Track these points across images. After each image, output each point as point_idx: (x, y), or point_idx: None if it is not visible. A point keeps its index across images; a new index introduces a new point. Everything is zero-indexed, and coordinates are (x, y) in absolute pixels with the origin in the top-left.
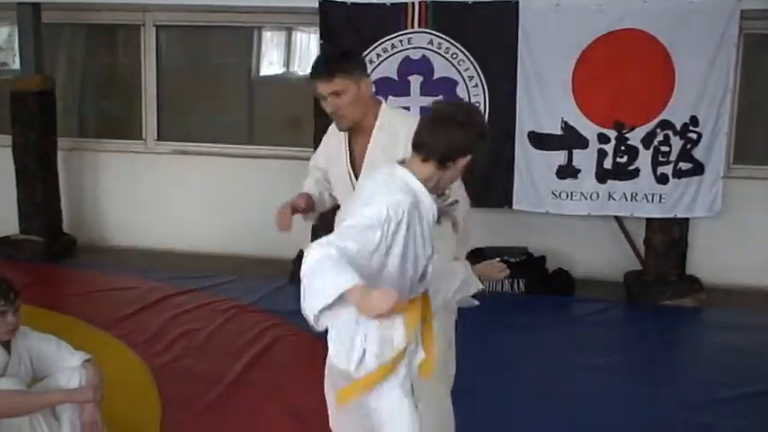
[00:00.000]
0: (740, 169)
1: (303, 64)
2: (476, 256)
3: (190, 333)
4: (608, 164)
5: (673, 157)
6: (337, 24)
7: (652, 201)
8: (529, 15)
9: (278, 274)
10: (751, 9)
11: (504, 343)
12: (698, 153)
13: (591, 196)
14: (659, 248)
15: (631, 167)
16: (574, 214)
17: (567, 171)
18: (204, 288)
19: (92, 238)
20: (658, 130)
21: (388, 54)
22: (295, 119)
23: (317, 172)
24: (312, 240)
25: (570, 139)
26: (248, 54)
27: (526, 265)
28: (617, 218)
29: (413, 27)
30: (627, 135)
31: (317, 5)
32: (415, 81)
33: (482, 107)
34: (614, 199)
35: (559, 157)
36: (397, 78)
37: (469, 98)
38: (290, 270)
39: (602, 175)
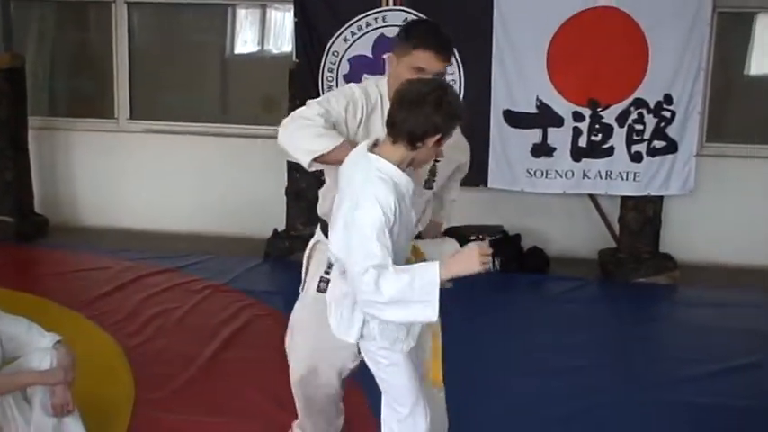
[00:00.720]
0: (713, 147)
1: (277, 42)
2: (451, 234)
3: (164, 313)
4: (583, 142)
5: (647, 136)
6: (312, 2)
7: (626, 179)
8: None
9: (253, 253)
10: None
11: (478, 321)
12: (672, 131)
13: (566, 174)
14: (633, 226)
15: (606, 146)
16: (549, 192)
17: (542, 149)
18: (178, 268)
19: (64, 218)
20: (632, 109)
21: (362, 32)
22: (269, 98)
23: (325, 122)
24: (287, 218)
25: (545, 118)
26: (222, 32)
27: (501, 243)
28: (591, 196)
29: (388, 5)
30: (601, 113)
31: None
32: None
33: (457, 86)
34: (589, 177)
35: (534, 135)
36: (372, 56)
37: (444, 77)
38: (265, 249)
39: (577, 154)
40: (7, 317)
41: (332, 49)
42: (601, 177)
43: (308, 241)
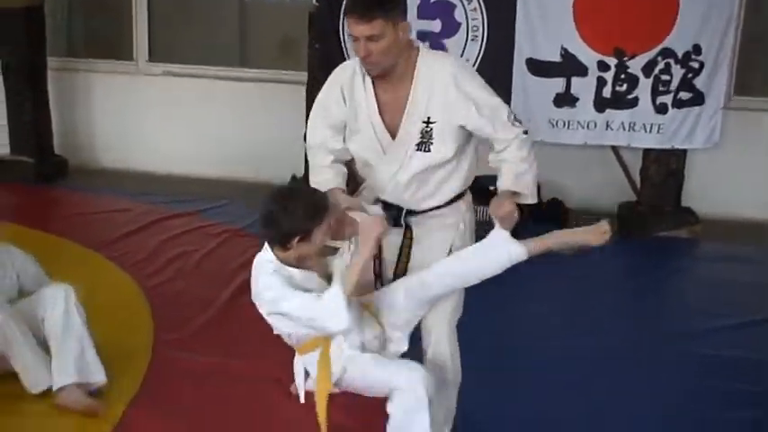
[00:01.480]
0: (740, 100)
1: None
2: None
3: (182, 256)
4: (607, 92)
5: (673, 87)
6: None
7: (650, 131)
8: None
9: None
10: None
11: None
12: (699, 82)
13: (588, 125)
14: (655, 179)
15: (630, 96)
16: (570, 144)
17: (565, 99)
18: (197, 211)
19: (83, 159)
20: (659, 59)
21: None
22: (288, 41)
23: (326, 156)
24: (305, 163)
25: (569, 67)
26: None
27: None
28: (613, 148)
29: None
30: (627, 63)
31: None
32: (412, 3)
33: (480, 33)
34: (612, 128)
35: (557, 84)
36: None
37: (467, 22)
38: None
39: (601, 104)
40: (19, 252)
41: None
42: (624, 129)
43: None
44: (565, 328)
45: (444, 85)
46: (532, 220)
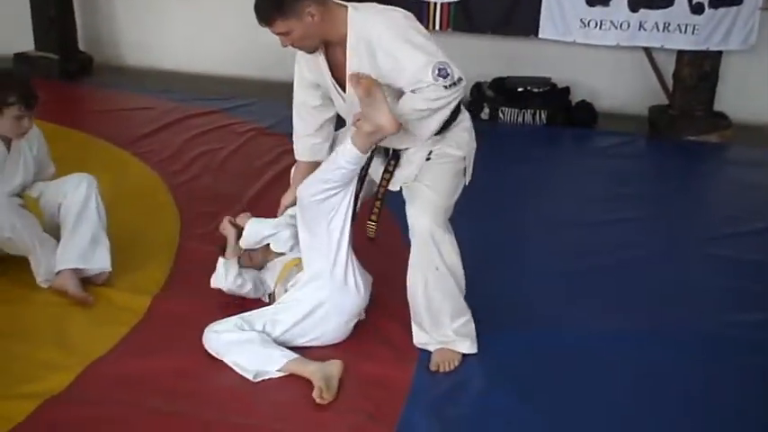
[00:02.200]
0: None
1: None
2: (498, 85)
3: (208, 153)
4: None
5: None
6: None
7: (685, 32)
8: None
9: None
10: None
11: (521, 173)
12: None
13: (621, 26)
14: (688, 82)
15: None
16: (602, 45)
17: None
18: (222, 110)
19: (108, 56)
20: None
21: None
22: None
23: (309, 119)
24: None
25: None
26: None
27: (549, 95)
28: (646, 49)
29: None
30: None
31: None
32: None
33: None
34: (645, 29)
35: None
36: None
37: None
38: None
39: (635, 3)
40: (36, 131)
41: None
42: (658, 29)
43: None
44: (581, 223)
45: (373, 47)
46: (561, 122)
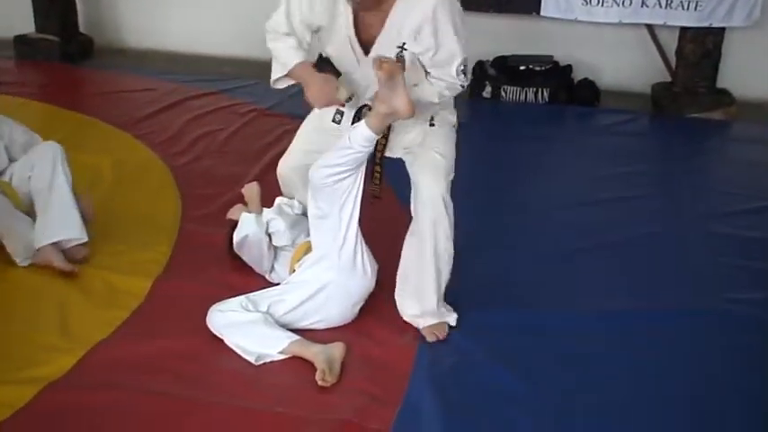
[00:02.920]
0: None
1: None
2: (500, 64)
3: (209, 134)
4: None
5: None
6: None
7: (687, 8)
8: None
9: None
10: None
11: (523, 152)
12: None
13: (623, 3)
14: (691, 59)
15: None
16: (604, 22)
17: None
18: (223, 91)
19: (109, 39)
20: None
21: None
22: None
23: (288, 39)
24: None
25: None
26: None
27: (551, 73)
28: (648, 26)
29: None
30: None
31: None
32: None
33: None
34: (647, 6)
35: None
36: None
37: None
38: None
39: None
40: (10, 123)
41: None
42: (660, 6)
43: None
44: (584, 202)
45: (422, 17)
46: (563, 100)
